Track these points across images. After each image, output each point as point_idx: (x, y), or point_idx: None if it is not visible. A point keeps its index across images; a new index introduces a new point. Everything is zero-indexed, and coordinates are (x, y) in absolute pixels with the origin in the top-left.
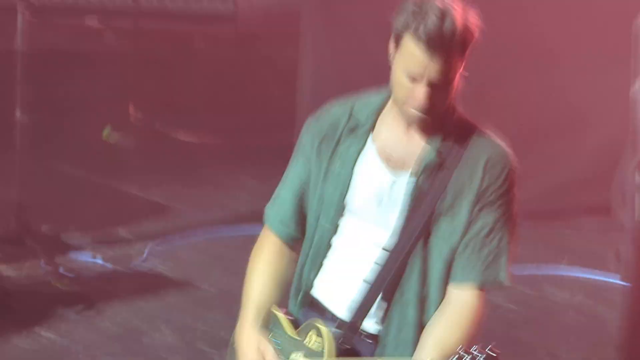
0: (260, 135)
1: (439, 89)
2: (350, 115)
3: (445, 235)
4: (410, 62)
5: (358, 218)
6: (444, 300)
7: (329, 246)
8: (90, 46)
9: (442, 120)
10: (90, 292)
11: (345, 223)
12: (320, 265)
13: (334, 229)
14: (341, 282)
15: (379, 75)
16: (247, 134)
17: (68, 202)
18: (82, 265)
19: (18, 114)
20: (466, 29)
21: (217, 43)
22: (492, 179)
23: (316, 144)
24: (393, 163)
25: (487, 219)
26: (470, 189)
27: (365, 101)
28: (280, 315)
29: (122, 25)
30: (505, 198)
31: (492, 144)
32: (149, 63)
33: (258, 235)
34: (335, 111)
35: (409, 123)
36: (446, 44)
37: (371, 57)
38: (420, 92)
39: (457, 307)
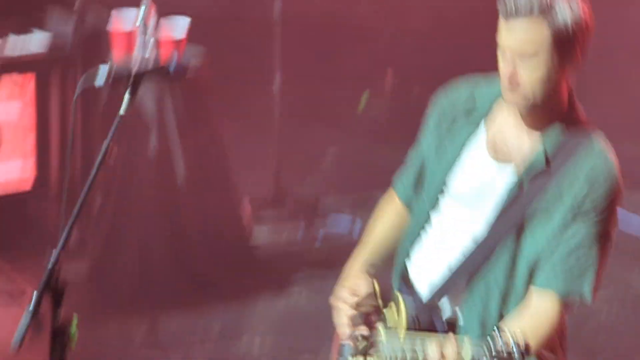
0: None
1: (527, 68)
2: (472, 97)
3: (536, 236)
4: (499, 38)
5: (456, 201)
6: (524, 301)
7: (427, 222)
8: (349, 11)
9: (552, 117)
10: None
11: (444, 203)
12: (418, 238)
13: (433, 205)
14: (429, 262)
15: None
16: None
17: (325, 166)
18: (341, 229)
19: (277, 81)
20: (558, 10)
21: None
22: (591, 189)
23: (437, 119)
24: (500, 154)
25: (580, 229)
26: (569, 195)
27: (488, 85)
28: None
29: None
30: (602, 211)
31: (600, 153)
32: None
33: None
34: (459, 90)
35: (518, 113)
36: (526, 14)
37: None
38: (505, 67)
39: (536, 314)
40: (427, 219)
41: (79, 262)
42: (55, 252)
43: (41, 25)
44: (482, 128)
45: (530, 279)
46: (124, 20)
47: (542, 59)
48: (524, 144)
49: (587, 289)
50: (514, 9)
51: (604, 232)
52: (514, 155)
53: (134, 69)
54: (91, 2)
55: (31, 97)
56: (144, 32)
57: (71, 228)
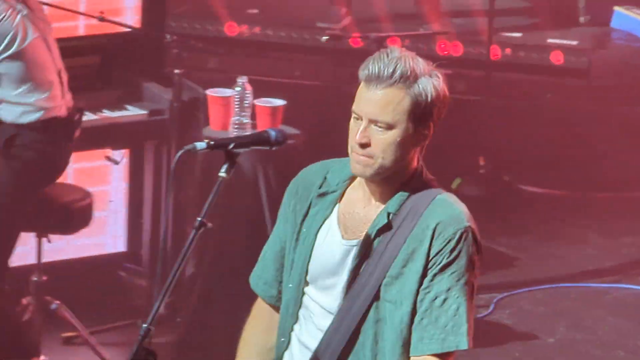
0: (608, 190)
1: (380, 133)
2: (324, 179)
3: (397, 302)
4: (357, 102)
5: (315, 286)
6: None
7: (295, 311)
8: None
9: (398, 185)
10: None
11: (307, 290)
12: (291, 330)
13: (300, 294)
14: (300, 351)
15: None
16: (593, 187)
17: None
18: None
19: None
20: (420, 81)
21: (569, 95)
22: (441, 245)
23: (292, 204)
24: (349, 232)
25: (440, 287)
26: (420, 255)
27: (340, 166)
28: None
29: (473, 73)
30: (458, 263)
31: (447, 207)
32: (499, 113)
33: (602, 291)
34: (312, 172)
35: (367, 187)
36: (388, 80)
37: None
38: (357, 132)
39: None
40: (294, 309)
41: (168, 331)
42: (145, 327)
43: (136, 101)
44: (335, 210)
45: (399, 352)
46: (219, 92)
47: (397, 126)
48: (372, 216)
49: (463, 340)
50: (376, 74)
51: (467, 281)
52: (362, 229)
53: (233, 134)
54: (186, 79)
55: (125, 172)
56: (242, 98)
57: (161, 302)
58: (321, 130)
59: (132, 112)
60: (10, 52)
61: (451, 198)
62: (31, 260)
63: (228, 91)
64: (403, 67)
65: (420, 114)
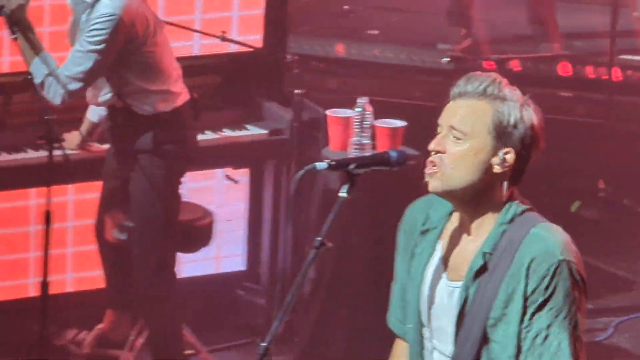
0: None
1: (453, 141)
2: (427, 217)
3: (503, 343)
4: (439, 120)
5: (429, 328)
6: None
7: (419, 352)
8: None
9: (492, 218)
10: None
11: (424, 331)
12: None
13: (419, 336)
14: None
15: None
16: None
17: None
18: None
19: None
20: (507, 102)
21: None
22: (536, 283)
23: (402, 241)
24: (453, 270)
25: (540, 324)
26: (518, 295)
27: (441, 203)
28: None
29: (594, 96)
30: (555, 299)
31: (541, 242)
32: (620, 136)
33: None
34: (416, 209)
35: (464, 223)
36: (471, 93)
37: None
38: (433, 142)
39: None
40: (417, 351)
41: (286, 350)
42: (263, 345)
43: (256, 121)
44: (438, 247)
45: None
46: (339, 113)
47: (474, 137)
48: (470, 255)
49: None
50: (465, 88)
51: (567, 316)
52: (463, 269)
53: (353, 154)
54: (307, 99)
55: (245, 191)
56: (362, 119)
57: (280, 321)
58: None
59: (253, 131)
60: (150, 41)
61: (546, 230)
62: None
63: (348, 112)
64: (491, 85)
65: (501, 133)
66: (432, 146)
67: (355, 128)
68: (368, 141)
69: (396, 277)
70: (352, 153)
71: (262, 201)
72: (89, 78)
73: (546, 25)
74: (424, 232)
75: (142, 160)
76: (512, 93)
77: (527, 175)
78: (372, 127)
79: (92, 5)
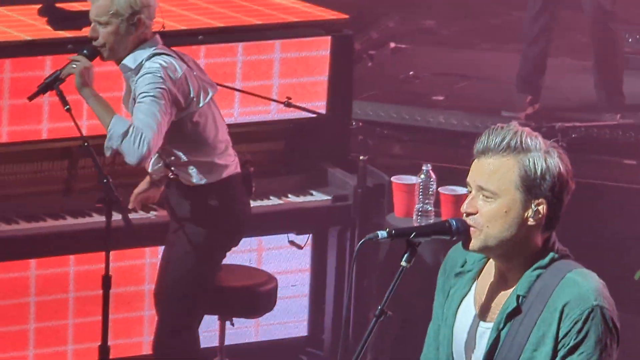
0: None
1: (483, 200)
2: (465, 259)
3: None
4: (469, 174)
5: None
6: None
7: None
8: (626, 183)
9: (527, 264)
10: None
11: None
12: None
13: None
14: None
15: None
16: None
17: None
18: None
19: None
20: (531, 154)
21: None
22: (569, 327)
23: (441, 283)
24: (485, 312)
25: None
26: (549, 338)
27: None
28: None
29: None
30: (586, 344)
31: (575, 286)
32: None
33: None
34: (456, 251)
35: (504, 271)
36: (497, 151)
37: None
38: (465, 203)
39: None
40: None
41: None
42: None
43: (320, 187)
44: (472, 289)
45: None
46: (403, 180)
47: (503, 195)
48: (503, 297)
49: None
50: (486, 144)
51: None
52: (496, 311)
53: (417, 221)
54: (371, 165)
55: (308, 256)
56: (426, 186)
57: None
58: None
59: (317, 197)
60: (192, 110)
61: (581, 275)
62: (214, 342)
63: (412, 178)
64: (513, 138)
65: (530, 187)
66: (464, 208)
67: (419, 195)
68: (432, 208)
69: (433, 318)
70: (416, 220)
71: (325, 267)
72: (158, 127)
73: (611, 93)
74: (459, 274)
75: (181, 227)
76: (535, 142)
77: (590, 245)
78: (437, 194)
79: (138, 70)
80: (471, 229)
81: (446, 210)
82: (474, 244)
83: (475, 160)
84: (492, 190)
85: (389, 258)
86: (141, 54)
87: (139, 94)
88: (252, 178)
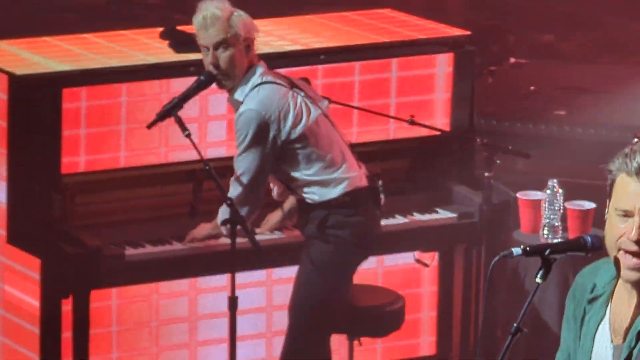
0: None
1: None
2: (594, 284)
3: None
4: (623, 197)
5: None
6: None
7: None
8: None
9: None
10: None
11: None
12: None
13: None
14: None
15: None
16: None
17: None
18: None
19: None
20: None
21: None
22: None
23: (571, 309)
24: (618, 333)
25: None
26: None
27: (607, 266)
28: None
29: None
30: None
31: None
32: None
33: None
34: (585, 276)
35: (631, 289)
36: None
37: None
38: (633, 227)
39: None
40: None
41: None
42: None
43: (446, 204)
44: (607, 313)
45: None
46: (530, 195)
47: None
48: (635, 317)
49: None
50: None
51: None
52: (628, 332)
53: (545, 237)
54: (496, 182)
55: (435, 274)
56: (553, 201)
57: None
58: None
59: (442, 215)
60: (298, 131)
61: None
62: None
63: (539, 194)
64: None
65: None
66: (633, 236)
67: (546, 210)
68: (559, 224)
69: (562, 346)
70: (543, 236)
71: (452, 285)
72: (250, 179)
73: None
74: (591, 300)
75: (308, 245)
76: None
77: None
78: (564, 209)
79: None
80: (629, 257)
81: (573, 225)
82: (635, 276)
83: (635, 183)
84: None
85: (517, 274)
86: (248, 85)
87: (238, 145)
88: (380, 191)
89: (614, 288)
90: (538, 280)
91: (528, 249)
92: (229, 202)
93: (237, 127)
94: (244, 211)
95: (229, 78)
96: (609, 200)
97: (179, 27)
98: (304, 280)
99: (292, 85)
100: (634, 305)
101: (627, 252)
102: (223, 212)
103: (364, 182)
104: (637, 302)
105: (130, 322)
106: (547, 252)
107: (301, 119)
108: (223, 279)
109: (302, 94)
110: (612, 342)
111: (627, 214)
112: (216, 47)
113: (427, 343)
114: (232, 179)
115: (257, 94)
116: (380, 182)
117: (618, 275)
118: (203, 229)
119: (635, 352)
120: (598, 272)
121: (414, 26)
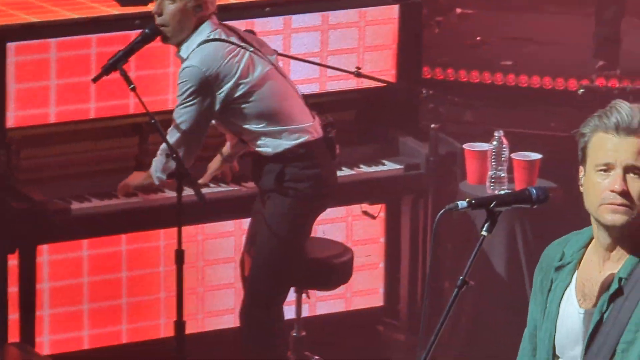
0: None
1: (634, 179)
2: (562, 253)
3: None
4: (603, 153)
5: (564, 359)
6: None
7: None
8: None
9: (631, 249)
10: None
11: None
12: None
13: None
14: None
15: None
16: None
17: None
18: None
19: None
20: None
21: None
22: None
23: (538, 280)
24: (588, 298)
25: None
26: None
27: (577, 237)
28: None
29: None
30: None
31: None
32: None
33: None
34: (553, 248)
35: (607, 254)
36: (636, 128)
37: None
38: (615, 180)
39: None
40: None
41: None
42: None
43: (392, 156)
44: (573, 279)
45: None
46: (476, 147)
47: None
48: (605, 282)
49: None
50: (627, 122)
51: None
52: (599, 296)
53: (491, 188)
54: (443, 133)
55: (381, 226)
56: (499, 152)
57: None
58: (577, 183)
59: (389, 167)
60: (243, 88)
61: None
62: (290, 315)
63: (485, 145)
64: None
65: None
66: (616, 188)
67: (492, 162)
68: (505, 174)
69: (529, 320)
70: (489, 187)
71: (399, 236)
72: (188, 127)
73: None
74: (559, 268)
75: (266, 198)
76: None
77: None
78: (510, 160)
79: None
80: (621, 207)
81: (519, 176)
82: (620, 219)
83: (611, 138)
84: None
85: (464, 225)
86: (194, 41)
87: (178, 97)
88: (335, 141)
89: (582, 256)
90: (484, 232)
91: (473, 202)
92: (174, 155)
93: (179, 82)
94: (181, 151)
95: (173, 34)
96: (584, 165)
97: None
98: (263, 234)
99: (242, 39)
100: (605, 269)
101: (609, 202)
102: (157, 162)
103: (318, 133)
104: (606, 268)
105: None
106: (492, 204)
107: (247, 76)
108: None
109: (251, 49)
110: (580, 306)
111: (609, 168)
112: None
113: (374, 294)
114: (171, 127)
115: (201, 52)
116: (333, 132)
117: (590, 241)
118: (136, 177)
119: (605, 316)
120: (568, 242)
121: None
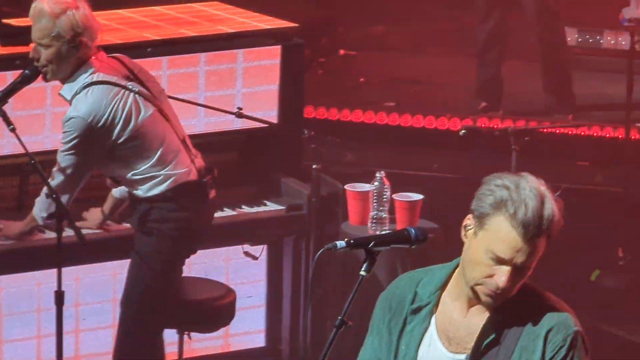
0: None
1: (519, 274)
2: (415, 293)
3: None
4: (501, 244)
5: None
6: None
7: None
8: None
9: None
10: None
11: None
12: None
13: None
14: None
15: None
16: None
17: None
18: None
19: None
20: (559, 217)
21: None
22: (552, 352)
23: (386, 320)
24: (454, 343)
25: None
26: None
27: (430, 277)
28: None
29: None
30: None
31: (554, 312)
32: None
33: None
34: (402, 286)
35: (473, 302)
36: (543, 231)
37: None
38: (503, 275)
39: None
40: None
41: None
42: None
43: (274, 197)
44: (432, 322)
45: None
46: (357, 187)
47: (532, 266)
48: (476, 328)
49: None
50: (535, 229)
51: None
52: (469, 342)
53: (372, 228)
54: (324, 173)
55: (263, 267)
56: (380, 193)
57: None
58: (460, 224)
59: (271, 207)
60: (126, 134)
61: (554, 302)
62: (172, 356)
63: (366, 186)
64: (555, 217)
65: (546, 245)
66: (503, 285)
67: (374, 202)
68: (386, 215)
69: (369, 353)
70: (371, 227)
71: (281, 277)
72: (72, 173)
73: (561, 93)
74: (415, 311)
75: (135, 239)
76: (557, 202)
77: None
78: (391, 201)
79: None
80: (493, 294)
81: (401, 216)
82: (495, 303)
83: (518, 238)
84: (530, 267)
85: (346, 265)
86: (77, 83)
87: (62, 143)
88: (208, 185)
89: (439, 298)
90: (362, 272)
91: (352, 241)
92: (54, 196)
93: (63, 130)
94: (64, 199)
95: (53, 74)
96: (477, 229)
97: (6, 20)
98: (131, 273)
99: (128, 75)
100: (471, 314)
101: (492, 292)
102: (41, 203)
103: (192, 177)
104: (472, 312)
105: None
106: (371, 244)
107: (130, 121)
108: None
109: (136, 89)
110: (448, 351)
111: (502, 262)
112: (39, 44)
113: (257, 335)
114: (55, 169)
115: (86, 98)
116: (208, 177)
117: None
118: (15, 226)
119: (485, 356)
120: (418, 282)
121: (246, 18)
